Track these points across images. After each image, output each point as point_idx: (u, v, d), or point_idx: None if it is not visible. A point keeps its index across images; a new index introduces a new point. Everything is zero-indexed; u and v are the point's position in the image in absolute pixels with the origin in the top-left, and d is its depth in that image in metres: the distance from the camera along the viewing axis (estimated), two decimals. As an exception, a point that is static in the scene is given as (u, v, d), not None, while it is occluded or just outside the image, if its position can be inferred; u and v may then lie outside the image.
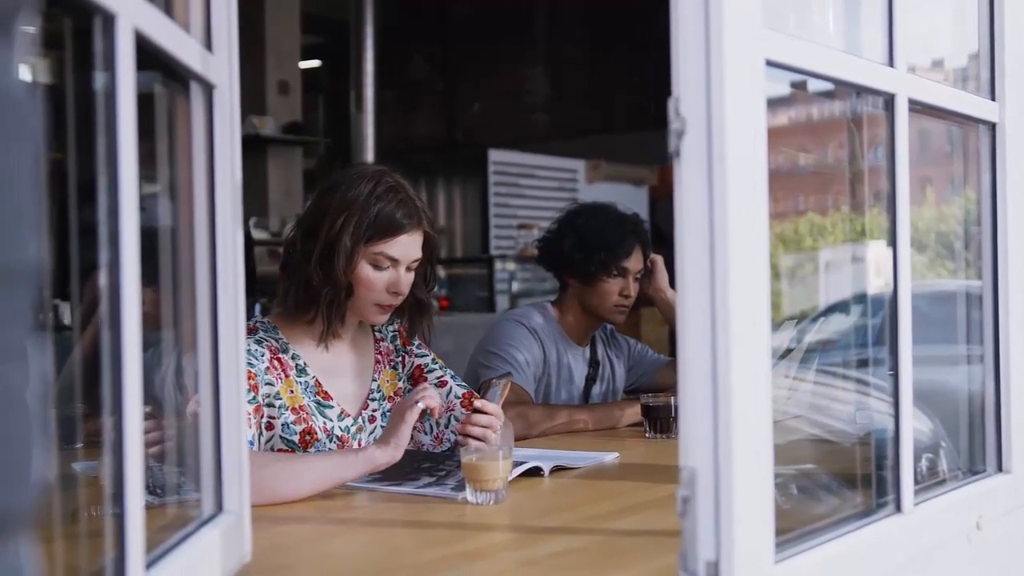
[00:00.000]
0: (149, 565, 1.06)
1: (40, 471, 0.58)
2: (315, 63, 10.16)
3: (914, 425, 1.53)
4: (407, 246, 2.15)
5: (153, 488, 1.30)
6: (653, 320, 6.38)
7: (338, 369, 2.24)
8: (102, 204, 0.99)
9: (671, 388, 2.88)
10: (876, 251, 1.91)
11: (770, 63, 1.21)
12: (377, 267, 2.14)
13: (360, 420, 2.24)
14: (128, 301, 0.99)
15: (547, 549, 1.55)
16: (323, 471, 1.90)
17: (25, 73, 0.57)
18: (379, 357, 2.32)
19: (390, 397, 2.30)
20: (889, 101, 1.47)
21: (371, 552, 1.59)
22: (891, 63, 1.48)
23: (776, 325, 1.26)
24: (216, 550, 1.28)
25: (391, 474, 1.99)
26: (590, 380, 3.06)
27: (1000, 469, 1.77)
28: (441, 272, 7.47)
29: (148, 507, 1.05)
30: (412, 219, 2.15)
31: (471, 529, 1.71)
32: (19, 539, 0.56)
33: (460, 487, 1.87)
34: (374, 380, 2.29)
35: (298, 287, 2.15)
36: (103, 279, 0.98)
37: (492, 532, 1.69)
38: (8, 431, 0.55)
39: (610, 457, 2.30)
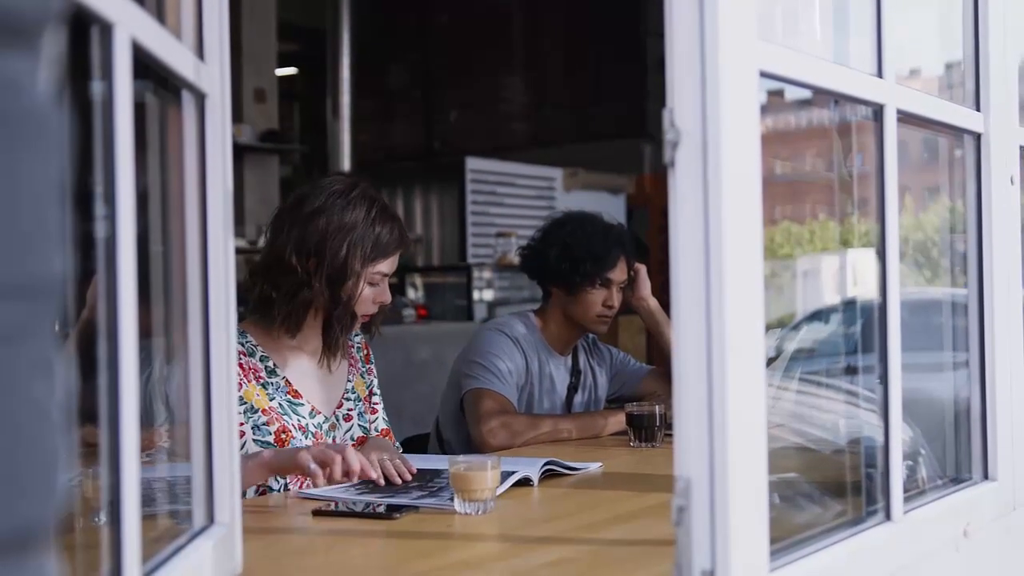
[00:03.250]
0: (144, 578, 1.05)
1: (64, 484, 0.58)
2: (291, 70, 10.14)
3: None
4: (396, 261, 2.28)
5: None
6: (631, 328, 6.39)
7: (311, 371, 2.29)
8: (99, 214, 0.98)
9: (653, 396, 2.89)
10: (855, 259, 1.92)
11: (764, 74, 1.22)
12: (371, 284, 2.24)
13: (334, 418, 2.30)
14: (124, 310, 0.98)
15: (539, 559, 1.55)
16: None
17: (50, 86, 0.57)
18: (352, 361, 2.40)
19: (364, 399, 2.39)
20: (878, 111, 1.48)
21: (361, 564, 1.59)
22: (880, 74, 1.49)
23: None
24: (208, 562, 1.27)
25: (382, 489, 1.99)
26: (572, 389, 3.06)
27: (986, 477, 1.78)
28: (418, 280, 7.46)
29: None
30: (405, 236, 2.28)
31: (461, 540, 1.70)
32: (45, 552, 0.56)
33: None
34: (349, 381, 2.37)
35: (298, 307, 2.19)
36: (100, 289, 0.97)
37: (482, 542, 1.69)
38: (36, 445, 0.55)
39: (595, 467, 2.30)
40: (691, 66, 1.14)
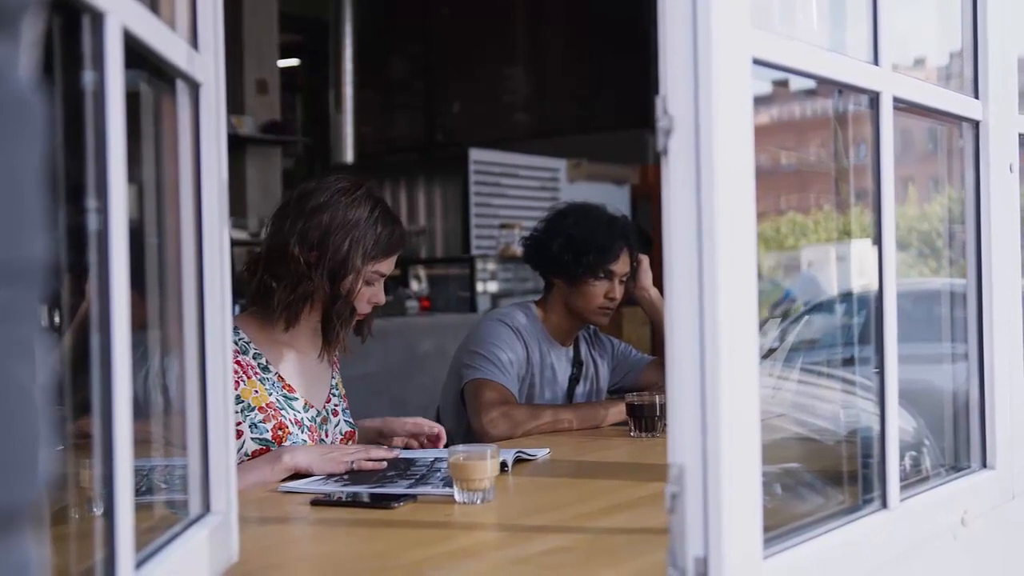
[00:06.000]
0: (138, 565, 1.06)
1: (47, 467, 0.58)
2: (294, 62, 10.14)
3: (898, 423, 1.54)
4: (393, 262, 2.33)
5: (138, 488, 1.30)
6: (634, 320, 6.40)
7: (300, 366, 2.32)
8: (90, 205, 0.99)
9: (655, 387, 2.89)
10: (859, 250, 1.92)
11: (757, 61, 1.22)
12: (368, 283, 2.27)
13: (325, 412, 2.34)
14: (117, 302, 0.98)
15: (536, 547, 1.55)
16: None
17: (30, 70, 0.57)
18: (335, 359, 2.44)
19: (343, 396, 2.44)
20: (874, 99, 1.48)
21: (359, 553, 1.59)
22: (876, 61, 1.48)
23: (759, 324, 1.27)
24: (204, 550, 1.27)
25: (367, 481, 1.99)
26: (574, 380, 3.06)
27: (984, 465, 1.78)
28: (421, 272, 7.47)
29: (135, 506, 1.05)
30: (404, 238, 2.32)
31: (459, 528, 1.71)
32: (26, 533, 0.56)
33: (448, 483, 1.87)
34: (333, 378, 2.41)
35: (297, 298, 2.22)
36: (92, 281, 0.97)
37: (480, 531, 1.69)
38: (17, 427, 0.55)
39: (543, 452, 2.31)
40: (684, 53, 1.14)
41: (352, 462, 2.07)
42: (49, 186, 0.62)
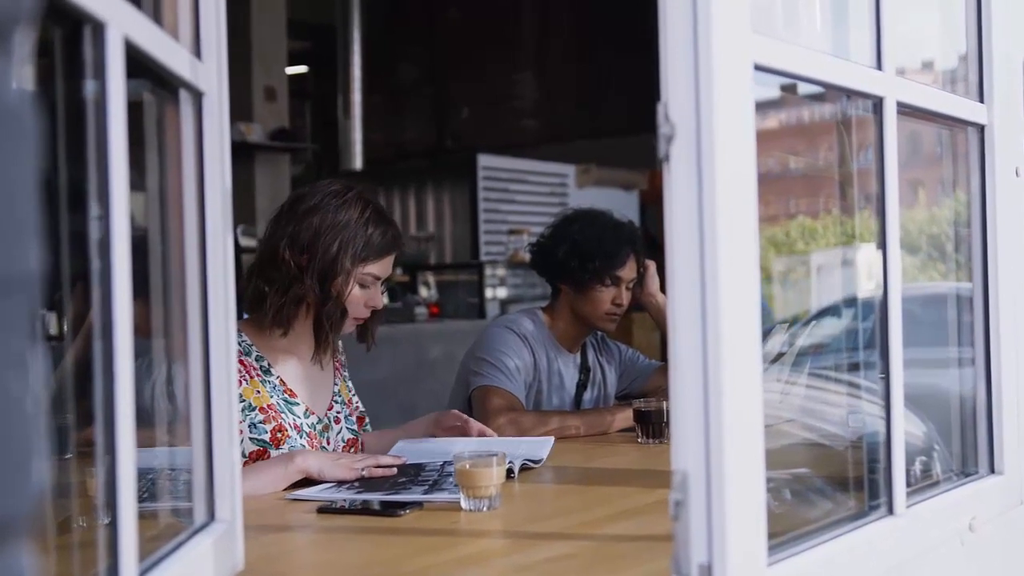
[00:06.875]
0: (142, 574, 1.06)
1: (40, 477, 0.58)
2: (302, 69, 10.15)
3: (907, 428, 1.53)
4: (389, 265, 2.31)
5: (142, 495, 1.30)
6: (644, 325, 6.38)
7: (302, 372, 2.32)
8: (92, 213, 0.99)
9: (662, 393, 2.88)
10: (867, 254, 1.92)
11: (759, 67, 1.22)
12: (362, 286, 2.26)
13: (326, 419, 2.34)
14: (120, 311, 0.99)
15: (541, 555, 1.55)
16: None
17: (24, 83, 0.57)
18: (337, 365, 2.44)
19: (347, 402, 2.42)
20: (878, 104, 1.48)
21: (365, 560, 1.59)
22: (879, 66, 1.48)
23: (768, 329, 1.26)
24: (209, 559, 1.27)
25: (377, 488, 1.99)
26: (581, 386, 3.06)
27: (992, 471, 1.77)
28: (430, 278, 7.46)
29: (139, 515, 1.05)
30: (397, 241, 2.31)
31: (465, 536, 1.71)
32: (19, 544, 0.56)
33: (457, 490, 1.87)
34: (335, 384, 2.41)
35: (289, 302, 2.22)
36: (95, 289, 0.98)
37: (486, 538, 1.69)
38: (9, 437, 0.55)
39: (547, 447, 2.31)
40: (684, 60, 1.14)
41: (363, 469, 2.07)
42: (49, 196, 0.62)
